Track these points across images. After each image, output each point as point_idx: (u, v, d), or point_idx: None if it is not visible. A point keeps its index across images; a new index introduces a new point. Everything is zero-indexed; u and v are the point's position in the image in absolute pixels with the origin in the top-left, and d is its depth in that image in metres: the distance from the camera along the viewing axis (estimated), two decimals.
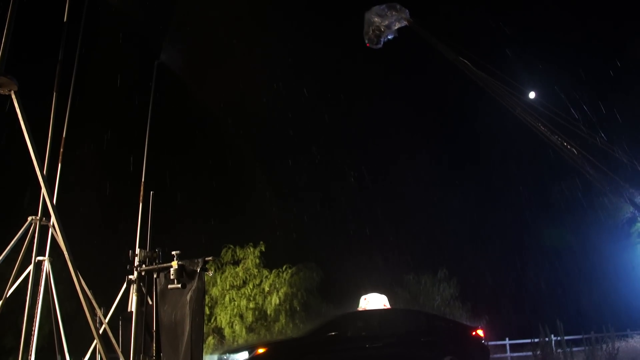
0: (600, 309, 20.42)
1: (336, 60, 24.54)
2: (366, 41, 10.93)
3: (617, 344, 14.16)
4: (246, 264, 15.06)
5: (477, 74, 9.43)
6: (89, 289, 5.33)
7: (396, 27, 10.73)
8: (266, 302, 14.57)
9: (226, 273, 15.00)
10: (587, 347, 14.82)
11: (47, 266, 6.47)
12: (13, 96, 4.37)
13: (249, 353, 8.49)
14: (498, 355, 17.96)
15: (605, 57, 26.29)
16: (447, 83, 25.48)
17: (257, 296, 14.69)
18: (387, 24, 10.62)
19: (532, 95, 10.98)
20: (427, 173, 25.58)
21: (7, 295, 5.75)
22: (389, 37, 10.91)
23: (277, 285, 14.77)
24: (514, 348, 18.88)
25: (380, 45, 10.92)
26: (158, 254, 5.27)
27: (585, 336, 15.29)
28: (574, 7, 27.98)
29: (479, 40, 26.36)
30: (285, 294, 14.59)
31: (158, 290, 4.96)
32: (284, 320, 14.51)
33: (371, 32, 10.78)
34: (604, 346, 14.11)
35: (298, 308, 14.70)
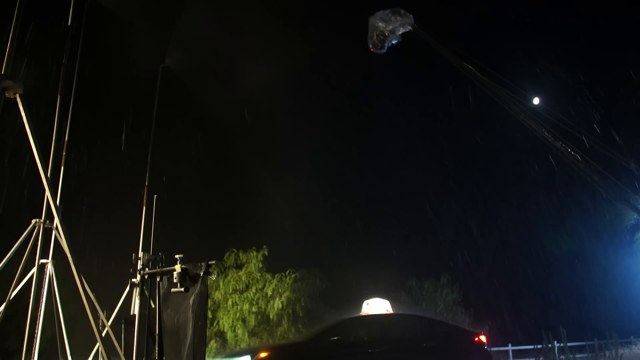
0: (603, 316, 20.36)
1: (341, 65, 24.56)
2: (370, 46, 10.90)
3: (620, 351, 14.15)
4: (249, 268, 15.05)
5: (481, 79, 9.40)
6: (92, 292, 5.34)
7: (400, 32, 10.71)
8: (269, 306, 14.56)
9: (229, 277, 14.99)
10: (590, 354, 14.80)
11: (50, 269, 6.49)
12: (18, 99, 4.39)
13: (251, 357, 8.48)
14: None
15: (611, 63, 26.30)
16: (451, 88, 25.49)
17: (259, 300, 14.67)
18: (391, 28, 10.60)
19: (536, 101, 10.95)
20: (430, 178, 25.59)
21: (11, 298, 5.76)
22: (393, 42, 10.87)
23: (279, 290, 14.77)
24: (516, 354, 18.83)
25: (384, 50, 10.89)
26: (161, 257, 5.27)
27: (589, 343, 15.25)
28: (583, 11, 27.98)
29: (484, 45, 26.39)
30: (288, 299, 14.59)
31: (161, 293, 4.96)
32: (286, 325, 14.50)
33: (375, 37, 10.75)
34: (607, 353, 14.08)
35: (301, 313, 14.69)
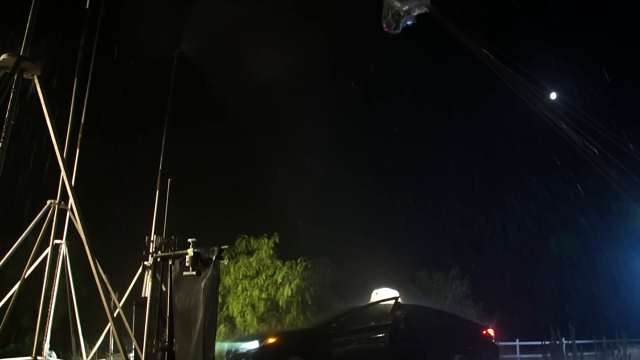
0: (613, 315, 20.21)
1: (358, 51, 24.37)
2: (384, 25, 10.77)
3: (629, 351, 14.03)
4: (260, 254, 15.11)
5: (498, 66, 9.27)
6: (105, 273, 5.40)
7: (416, 13, 10.58)
8: (278, 293, 14.62)
9: (240, 263, 15.06)
10: (598, 352, 14.70)
11: (64, 249, 6.57)
12: (36, 81, 4.42)
13: (260, 342, 8.55)
14: (508, 356, 17.85)
15: (633, 58, 25.87)
16: (462, 77, 25.27)
17: (269, 287, 14.74)
18: (407, 9, 10.48)
19: (553, 95, 10.80)
20: (441, 172, 25.45)
21: (25, 277, 5.85)
22: (408, 22, 10.74)
23: (289, 277, 14.82)
24: (524, 349, 18.77)
25: (398, 31, 10.76)
26: (174, 240, 5.30)
27: (597, 341, 15.16)
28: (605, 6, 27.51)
29: (503, 32, 26.03)
30: (298, 287, 14.63)
31: (173, 276, 4.99)
32: (295, 312, 14.55)
33: (390, 16, 10.63)
34: (616, 352, 13.98)
35: (310, 301, 14.73)
